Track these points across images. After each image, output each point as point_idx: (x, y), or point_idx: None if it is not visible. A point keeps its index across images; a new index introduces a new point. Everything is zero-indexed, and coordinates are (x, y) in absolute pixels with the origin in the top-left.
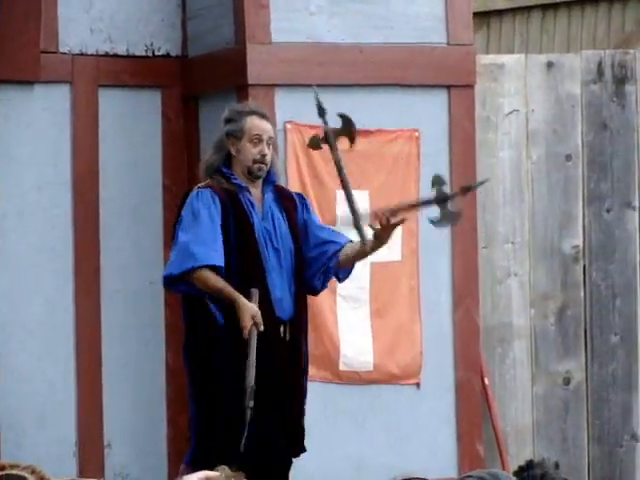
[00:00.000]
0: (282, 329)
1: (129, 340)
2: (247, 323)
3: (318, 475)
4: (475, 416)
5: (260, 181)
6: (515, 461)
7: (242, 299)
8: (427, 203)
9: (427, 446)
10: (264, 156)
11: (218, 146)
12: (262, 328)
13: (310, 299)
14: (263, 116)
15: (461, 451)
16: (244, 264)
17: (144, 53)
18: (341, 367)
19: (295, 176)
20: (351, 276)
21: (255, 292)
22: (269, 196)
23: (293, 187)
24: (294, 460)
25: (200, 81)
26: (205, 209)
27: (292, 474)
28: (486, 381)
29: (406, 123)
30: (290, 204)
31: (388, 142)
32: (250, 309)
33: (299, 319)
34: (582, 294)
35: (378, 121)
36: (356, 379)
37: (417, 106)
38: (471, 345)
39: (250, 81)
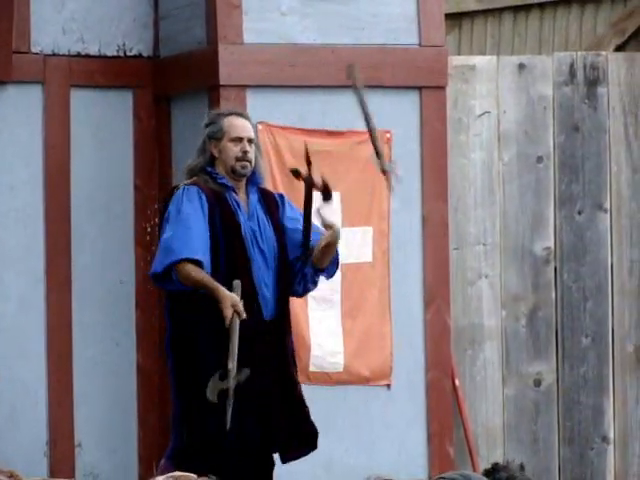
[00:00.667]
0: (264, 328)
1: (100, 339)
2: (228, 312)
3: (287, 476)
4: (445, 417)
5: (244, 182)
6: (485, 462)
7: (222, 289)
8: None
9: (397, 447)
10: (246, 153)
11: (201, 149)
12: (244, 316)
13: None
14: (242, 116)
15: (431, 452)
16: (231, 263)
17: (116, 53)
18: (311, 368)
19: (267, 176)
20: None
21: (237, 283)
22: (254, 197)
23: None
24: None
25: (172, 82)
26: (190, 204)
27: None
28: (457, 382)
29: (378, 124)
30: (273, 205)
31: (359, 143)
32: (230, 298)
33: (282, 319)
34: (553, 296)
35: (349, 122)
36: (326, 380)
37: (388, 107)
38: (442, 346)
39: (222, 82)
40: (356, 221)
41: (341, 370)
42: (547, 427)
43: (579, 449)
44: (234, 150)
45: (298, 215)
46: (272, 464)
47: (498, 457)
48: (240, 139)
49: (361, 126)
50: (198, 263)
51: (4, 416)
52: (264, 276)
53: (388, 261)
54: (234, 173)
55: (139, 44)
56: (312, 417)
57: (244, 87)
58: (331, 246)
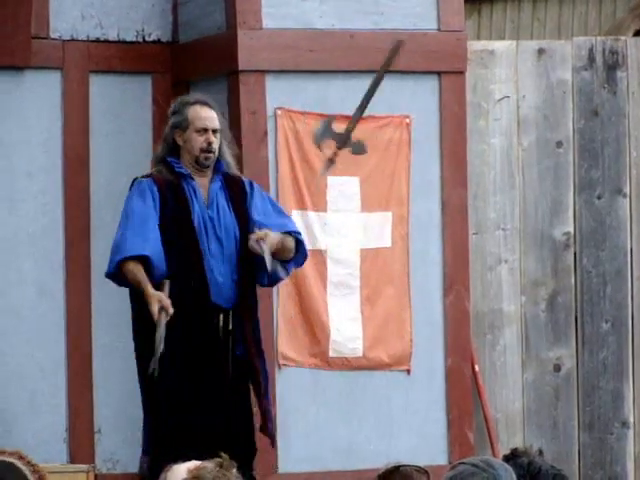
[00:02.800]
0: (222, 316)
1: (119, 326)
2: (154, 308)
3: (308, 462)
4: (465, 403)
5: (210, 170)
6: (505, 448)
7: (149, 288)
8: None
9: (417, 433)
10: (210, 144)
11: (164, 138)
12: (171, 311)
13: (300, 285)
14: (207, 105)
15: (451, 438)
16: (181, 251)
17: (135, 39)
18: (331, 354)
19: (286, 162)
20: (341, 262)
21: (166, 283)
22: (216, 185)
23: (284, 173)
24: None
25: (191, 67)
26: (140, 199)
27: (282, 460)
28: (476, 368)
29: (397, 109)
30: (238, 192)
31: (379, 128)
32: (156, 295)
33: (243, 306)
34: (573, 281)
35: (369, 107)
36: (345, 365)
37: (408, 92)
38: (461, 332)
39: (240, 67)
40: (375, 206)
41: (360, 355)
42: (567, 412)
43: (599, 434)
44: (199, 140)
45: (269, 207)
46: (253, 450)
47: (518, 442)
48: (205, 130)
49: (381, 111)
50: (144, 259)
51: (24, 403)
52: (219, 264)
53: (407, 246)
54: (198, 164)
55: (158, 29)
56: (331, 403)
57: (263, 72)
58: (280, 251)
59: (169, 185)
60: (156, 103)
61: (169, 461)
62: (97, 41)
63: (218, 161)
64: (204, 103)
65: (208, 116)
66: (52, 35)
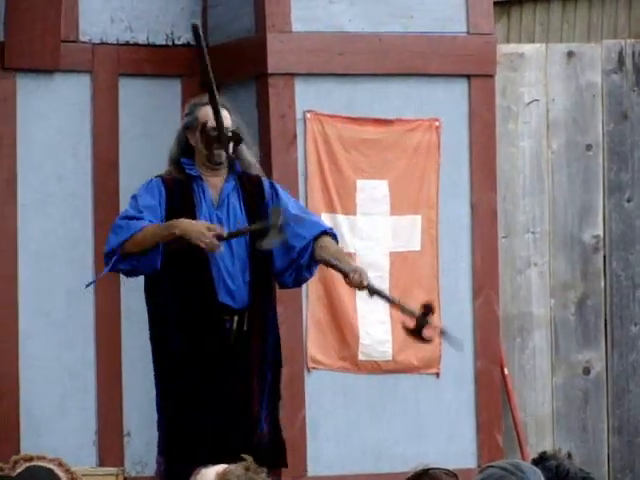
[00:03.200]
0: (236, 318)
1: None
2: (206, 240)
3: (337, 465)
4: (495, 406)
5: (224, 171)
6: (534, 451)
7: (179, 221)
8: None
9: (446, 436)
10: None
11: (177, 139)
12: (226, 233)
13: (329, 288)
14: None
15: (480, 441)
16: (186, 252)
17: (164, 42)
18: (360, 357)
19: (315, 165)
20: (370, 265)
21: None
22: (229, 185)
23: (313, 176)
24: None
25: (220, 70)
26: (146, 194)
27: (311, 463)
28: (506, 371)
29: (426, 113)
30: (254, 192)
31: (408, 132)
32: (197, 224)
33: (257, 307)
34: (602, 284)
35: (398, 111)
36: (375, 369)
37: (437, 96)
38: (491, 335)
39: (270, 70)
40: (404, 209)
41: (390, 359)
42: (596, 415)
43: (628, 437)
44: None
45: (294, 204)
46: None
47: (547, 446)
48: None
49: (411, 114)
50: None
51: (53, 405)
52: (227, 265)
53: (437, 250)
54: (209, 162)
55: (187, 33)
56: (360, 406)
57: (292, 75)
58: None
59: (177, 185)
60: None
61: (185, 462)
62: (126, 44)
63: (233, 161)
64: None
65: None
66: (82, 38)
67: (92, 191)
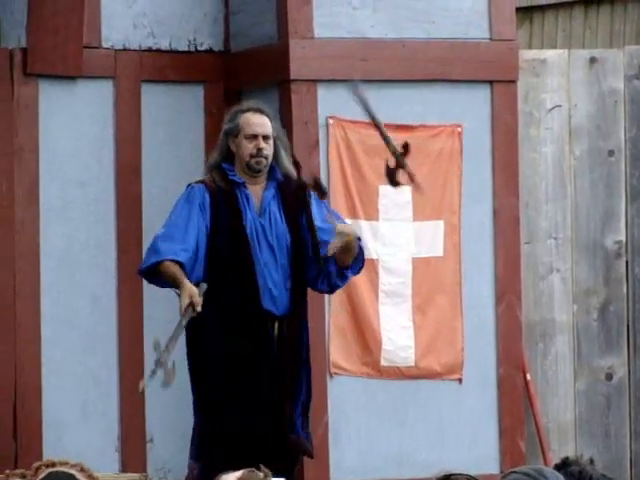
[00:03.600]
0: (277, 324)
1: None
2: (184, 301)
3: (360, 470)
4: (517, 412)
5: (264, 178)
6: (557, 457)
7: (186, 281)
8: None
9: (469, 442)
10: (260, 150)
11: (218, 145)
12: (199, 309)
13: (352, 294)
14: (260, 111)
15: (503, 447)
16: (234, 259)
17: (187, 48)
18: (382, 362)
19: (337, 171)
20: (393, 271)
21: (203, 285)
22: (269, 192)
23: (335, 182)
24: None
25: (243, 76)
26: (186, 204)
27: (333, 468)
28: (528, 377)
29: (449, 118)
30: (293, 199)
31: (431, 137)
32: (190, 289)
33: (295, 314)
34: (625, 290)
35: (420, 116)
36: (397, 374)
37: (460, 101)
38: (513, 341)
39: (292, 76)
40: (427, 215)
41: (412, 365)
42: (619, 421)
43: None
44: (249, 147)
45: (326, 213)
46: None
47: (570, 452)
48: (255, 136)
49: (433, 120)
50: (179, 264)
51: (76, 411)
52: (272, 272)
53: (459, 255)
54: (249, 169)
55: (210, 39)
56: (382, 412)
57: (315, 82)
58: (348, 249)
59: (221, 192)
60: (208, 112)
61: (221, 469)
62: (149, 50)
63: (273, 168)
64: (257, 110)
65: (258, 122)
66: (104, 44)
67: (115, 197)
